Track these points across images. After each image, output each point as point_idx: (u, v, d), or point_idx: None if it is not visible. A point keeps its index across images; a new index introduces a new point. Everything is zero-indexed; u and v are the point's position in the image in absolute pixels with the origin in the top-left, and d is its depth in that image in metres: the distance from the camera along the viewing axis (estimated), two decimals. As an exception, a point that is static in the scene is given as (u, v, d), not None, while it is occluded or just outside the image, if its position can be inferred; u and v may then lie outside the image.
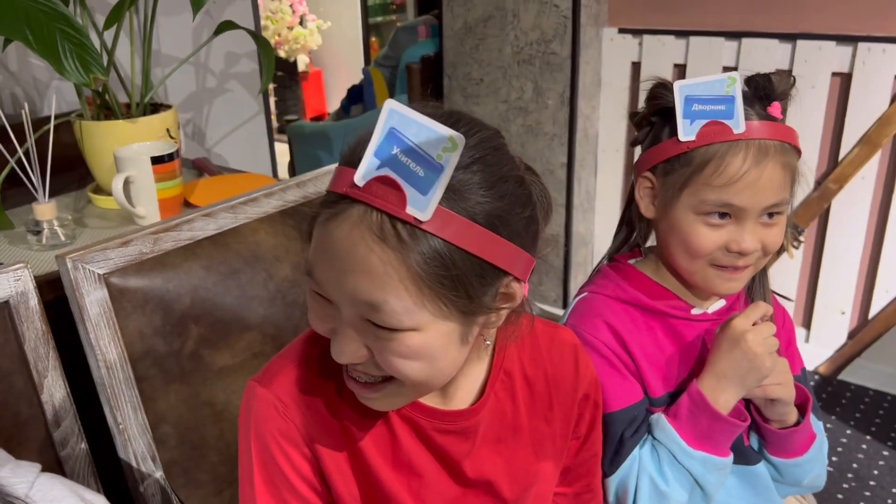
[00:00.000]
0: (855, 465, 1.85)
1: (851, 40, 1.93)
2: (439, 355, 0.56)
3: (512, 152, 0.60)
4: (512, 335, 0.68)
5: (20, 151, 1.03)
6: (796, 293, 2.22)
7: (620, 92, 2.33)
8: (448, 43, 2.47)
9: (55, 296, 0.85)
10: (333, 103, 4.86)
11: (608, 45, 2.33)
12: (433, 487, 0.68)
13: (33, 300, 0.82)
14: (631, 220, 0.91)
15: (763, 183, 0.77)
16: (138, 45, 1.31)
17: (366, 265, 0.52)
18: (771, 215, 0.79)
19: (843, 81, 1.99)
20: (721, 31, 2.11)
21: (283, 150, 3.52)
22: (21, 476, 0.66)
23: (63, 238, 1.07)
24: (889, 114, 1.92)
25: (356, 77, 3.69)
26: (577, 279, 2.50)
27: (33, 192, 1.06)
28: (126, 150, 1.14)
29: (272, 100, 5.03)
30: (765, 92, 0.80)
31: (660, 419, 0.83)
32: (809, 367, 2.24)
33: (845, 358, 2.18)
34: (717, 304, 0.88)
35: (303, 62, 5.05)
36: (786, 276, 2.20)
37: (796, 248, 2.17)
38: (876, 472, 1.82)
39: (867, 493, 1.75)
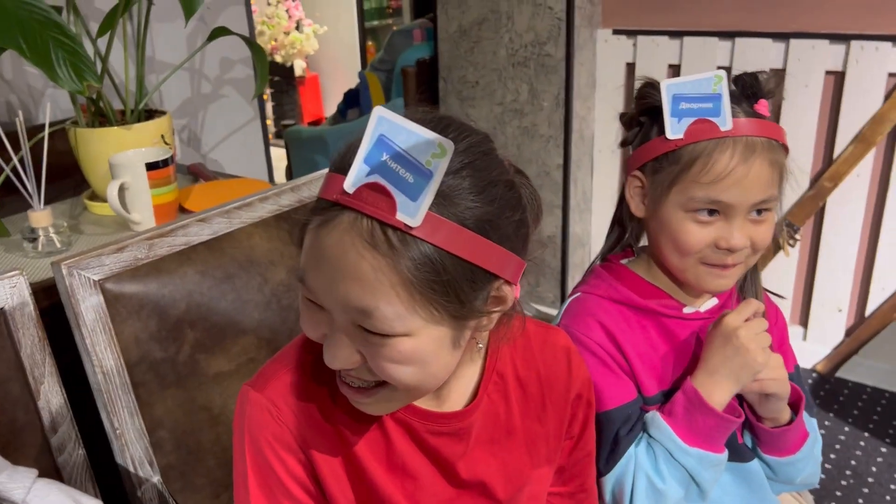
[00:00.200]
0: (853, 462, 1.85)
1: (844, 39, 1.94)
2: (431, 360, 0.56)
3: (502, 156, 0.60)
4: (504, 337, 0.68)
5: (15, 159, 1.04)
6: (793, 291, 2.23)
7: (615, 93, 2.33)
8: (443, 46, 2.48)
9: (51, 302, 0.85)
10: (331, 108, 4.87)
11: (602, 47, 2.33)
12: (427, 489, 0.68)
13: (29, 307, 0.82)
14: (622, 220, 0.91)
15: (751, 179, 0.77)
16: (132, 51, 1.32)
17: (357, 272, 0.52)
18: (759, 212, 0.80)
19: (837, 80, 1.99)
20: (715, 30, 2.12)
21: (280, 155, 3.53)
22: (18, 482, 0.67)
23: (59, 245, 1.08)
24: (883, 111, 1.93)
25: (353, 81, 3.70)
26: (575, 280, 2.49)
27: (28, 199, 1.07)
28: (121, 157, 1.14)
29: (269, 105, 5.04)
30: (752, 90, 0.81)
31: (655, 417, 0.83)
32: (807, 364, 2.24)
33: (843, 355, 2.19)
34: (710, 303, 0.89)
35: (300, 67, 5.06)
36: (782, 275, 2.20)
37: (792, 246, 2.17)
38: (874, 468, 1.83)
39: (865, 490, 1.76)
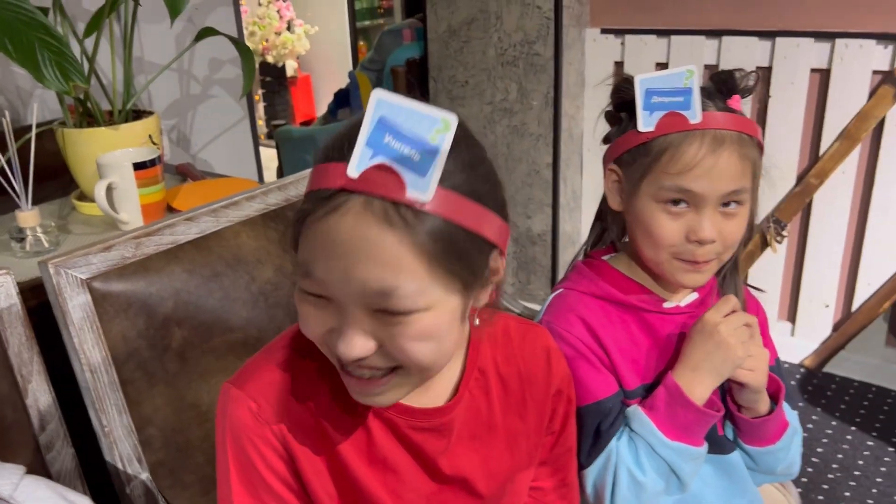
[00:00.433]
0: (840, 456, 1.87)
1: (829, 37, 1.95)
2: (446, 334, 0.58)
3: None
4: (485, 333, 0.69)
5: (2, 160, 1.04)
6: (781, 287, 2.24)
7: (604, 91, 2.34)
8: (433, 46, 2.48)
9: (39, 301, 0.85)
10: (323, 108, 4.85)
11: (591, 46, 2.35)
12: (409, 484, 0.69)
13: (17, 306, 0.83)
14: (604, 215, 0.93)
15: (719, 170, 0.78)
16: (120, 52, 1.32)
17: (376, 252, 0.52)
18: (728, 204, 0.80)
19: (822, 77, 2.01)
20: (702, 29, 2.14)
21: (272, 156, 3.53)
22: (5, 478, 0.67)
23: (46, 245, 1.08)
24: (867, 109, 1.94)
25: (345, 81, 3.70)
26: (565, 278, 2.51)
27: (16, 199, 1.07)
28: (108, 157, 1.15)
29: (261, 105, 5.04)
30: (726, 86, 0.82)
31: (637, 411, 0.84)
32: (795, 360, 2.26)
33: (830, 350, 2.21)
34: (690, 297, 0.90)
35: (291, 67, 5.06)
36: (770, 271, 2.22)
37: (779, 242, 2.19)
38: (861, 461, 1.85)
39: (852, 483, 1.77)
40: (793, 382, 2.19)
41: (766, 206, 2.18)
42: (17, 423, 0.83)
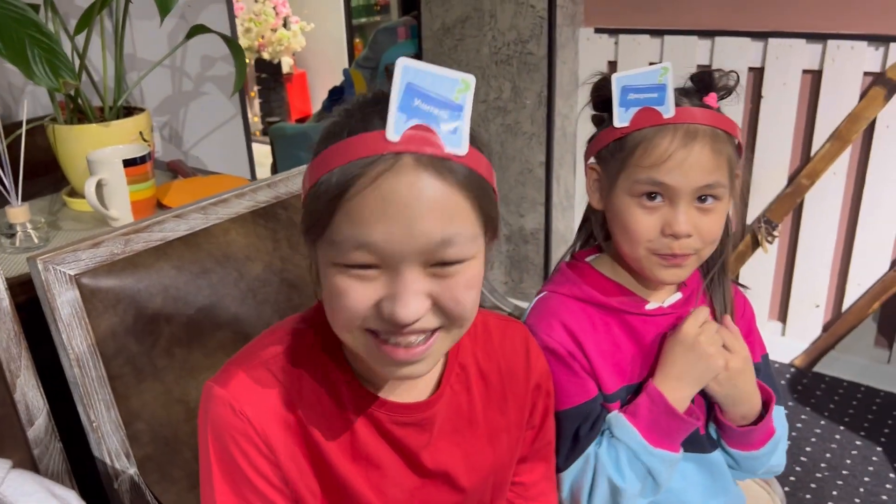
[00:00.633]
0: (828, 455, 1.88)
1: (821, 38, 1.96)
2: (480, 285, 0.62)
3: None
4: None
5: (-7, 156, 1.04)
6: (772, 287, 2.26)
7: (597, 91, 2.35)
8: (427, 44, 2.49)
9: (28, 297, 0.86)
10: (318, 104, 4.86)
11: (584, 45, 2.35)
12: (392, 479, 0.70)
13: (5, 301, 0.83)
14: (588, 215, 0.93)
15: (691, 163, 0.78)
16: (112, 48, 1.32)
17: (435, 204, 0.55)
18: (704, 198, 0.80)
19: (814, 78, 2.02)
20: (695, 29, 2.14)
21: (268, 153, 3.53)
22: (-9, 472, 0.68)
23: (36, 241, 1.09)
24: (858, 110, 1.95)
25: (341, 78, 3.71)
26: (558, 276, 2.52)
27: (6, 195, 1.08)
28: (98, 154, 1.15)
29: (257, 102, 5.04)
30: (703, 84, 0.83)
31: (619, 418, 0.85)
32: (785, 359, 2.27)
33: (820, 350, 2.22)
34: (673, 298, 0.90)
35: (287, 64, 5.06)
36: (761, 271, 2.23)
37: (770, 242, 2.20)
38: (849, 461, 1.86)
39: (840, 483, 1.79)
40: (783, 382, 2.20)
41: (757, 207, 2.19)
42: (5, 418, 0.84)
